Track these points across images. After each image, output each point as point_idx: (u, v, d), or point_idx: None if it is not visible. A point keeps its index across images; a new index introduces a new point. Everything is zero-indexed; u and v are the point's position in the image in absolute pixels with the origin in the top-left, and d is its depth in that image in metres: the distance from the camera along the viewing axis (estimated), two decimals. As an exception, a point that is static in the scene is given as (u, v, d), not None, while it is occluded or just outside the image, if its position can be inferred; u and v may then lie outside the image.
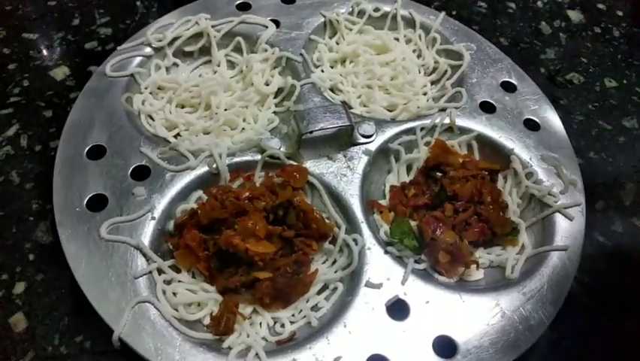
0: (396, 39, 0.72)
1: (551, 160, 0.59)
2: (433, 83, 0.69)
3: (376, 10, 0.72)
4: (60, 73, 0.69)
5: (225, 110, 0.61)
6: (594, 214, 0.61)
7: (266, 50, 0.66)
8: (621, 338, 0.53)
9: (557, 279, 0.51)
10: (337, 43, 0.70)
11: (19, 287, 0.52)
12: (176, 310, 0.47)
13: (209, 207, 0.50)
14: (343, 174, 0.56)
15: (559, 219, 0.55)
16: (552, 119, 0.64)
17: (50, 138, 0.62)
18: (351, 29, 0.71)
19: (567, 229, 0.55)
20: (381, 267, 0.51)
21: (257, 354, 0.44)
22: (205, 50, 0.68)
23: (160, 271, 0.49)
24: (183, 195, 0.54)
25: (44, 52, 0.71)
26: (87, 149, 0.55)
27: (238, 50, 0.67)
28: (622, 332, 0.53)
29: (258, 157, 0.56)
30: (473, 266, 0.53)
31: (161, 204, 0.52)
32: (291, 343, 0.47)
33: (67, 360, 0.48)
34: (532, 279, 0.51)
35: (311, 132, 0.55)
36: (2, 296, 0.51)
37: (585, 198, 0.58)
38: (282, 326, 0.48)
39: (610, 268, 0.58)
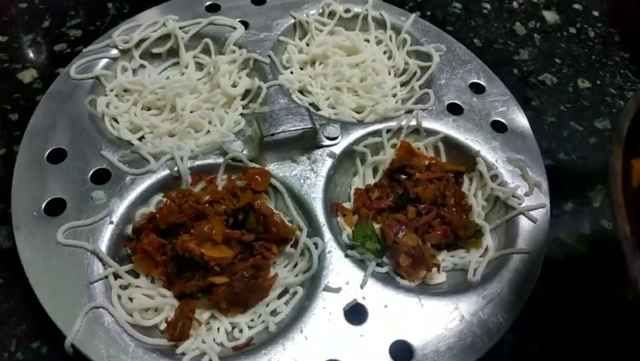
0: (367, 40, 0.71)
1: (517, 162, 0.59)
2: (402, 84, 0.68)
3: (347, 11, 0.72)
4: (28, 75, 0.68)
5: (191, 112, 0.61)
6: (562, 216, 0.61)
7: (234, 52, 0.66)
8: (585, 343, 0.53)
9: (518, 282, 0.51)
10: (307, 45, 0.70)
11: (-23, 292, 0.51)
12: (131, 315, 0.46)
13: (167, 212, 0.50)
14: (307, 177, 0.56)
15: (523, 222, 0.55)
16: (520, 120, 0.63)
17: (15, 141, 0.61)
18: (321, 30, 0.71)
19: (531, 231, 0.54)
20: (341, 271, 0.50)
21: (210, 360, 0.44)
22: (173, 52, 0.67)
23: (116, 276, 0.48)
24: (144, 198, 0.53)
25: (13, 54, 0.71)
26: (48, 152, 0.55)
27: (206, 51, 0.67)
28: (586, 336, 0.53)
29: (221, 160, 0.56)
30: (435, 269, 0.52)
31: (120, 208, 0.52)
32: (247, 348, 0.46)
33: (23, 366, 0.48)
34: (492, 282, 0.51)
35: (272, 135, 0.55)
36: (-40, 302, 0.51)
37: (554, 200, 0.58)
38: (241, 331, 0.48)
39: (576, 271, 0.57)
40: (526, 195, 0.57)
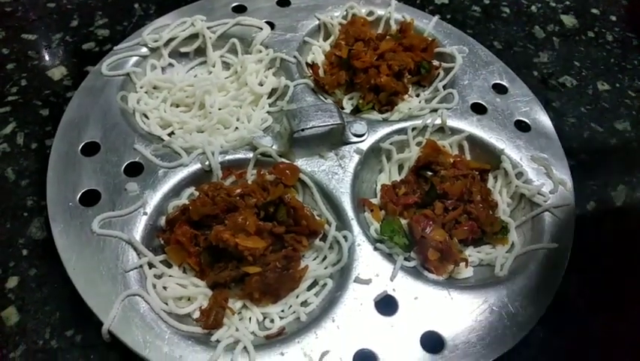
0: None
1: (541, 160, 0.59)
2: (422, 84, 0.69)
3: (370, 13, 0.73)
4: (57, 73, 0.70)
5: (219, 109, 0.62)
6: (585, 214, 0.62)
7: (260, 52, 0.67)
8: (611, 338, 0.53)
9: (546, 277, 0.51)
10: (331, 46, 0.71)
11: (12, 282, 0.52)
12: (166, 303, 0.47)
13: (201, 203, 0.51)
14: (335, 173, 0.57)
15: (548, 218, 0.56)
16: (543, 120, 0.64)
17: (46, 136, 0.63)
18: (345, 32, 0.72)
19: (556, 228, 0.55)
20: (370, 263, 0.51)
21: (245, 348, 0.45)
22: (200, 51, 0.69)
23: (151, 266, 0.49)
24: (175, 191, 0.54)
25: (42, 52, 0.72)
26: (81, 145, 0.56)
27: (233, 51, 0.68)
28: (612, 331, 0.53)
29: (251, 155, 0.57)
30: (462, 264, 0.53)
31: (154, 200, 0.53)
32: (280, 337, 0.47)
33: (57, 354, 0.48)
34: (520, 277, 0.51)
35: (302, 130, 0.56)
36: (-5, 290, 0.51)
37: (576, 198, 0.58)
38: (272, 321, 0.49)
39: (600, 268, 0.58)
40: (551, 192, 0.57)
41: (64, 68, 0.70)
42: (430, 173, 0.58)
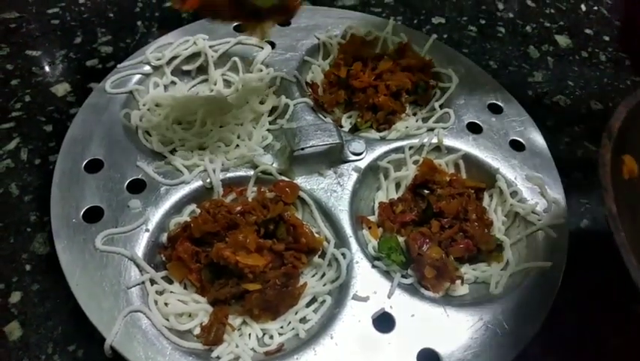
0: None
1: (535, 179, 0.61)
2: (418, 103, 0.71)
3: (368, 34, 0.75)
4: (61, 89, 0.71)
5: (220, 127, 0.63)
6: (579, 232, 0.63)
7: (261, 70, 0.69)
8: (606, 354, 0.54)
9: (540, 294, 0.52)
10: (330, 65, 0.73)
11: (15, 297, 0.53)
12: (167, 319, 0.48)
13: (202, 221, 0.52)
14: (333, 190, 0.58)
15: (542, 236, 0.57)
16: (537, 140, 0.66)
17: (50, 151, 0.64)
18: (343, 52, 0.74)
19: (550, 246, 0.56)
20: (368, 280, 0.52)
21: (245, 363, 0.46)
22: (202, 69, 0.70)
23: (152, 282, 0.50)
24: (177, 208, 0.55)
25: (46, 68, 0.73)
26: (85, 162, 0.57)
27: (234, 69, 0.70)
28: (606, 347, 0.54)
29: (251, 173, 0.58)
30: (458, 282, 0.54)
31: (156, 216, 0.54)
32: (279, 354, 0.48)
33: (59, 369, 0.49)
34: (515, 294, 0.52)
35: (302, 149, 0.57)
36: (-2, 305, 0.52)
37: (570, 217, 0.60)
38: (271, 337, 0.50)
39: (593, 285, 0.59)
40: (545, 211, 0.59)
41: (68, 84, 0.71)
42: (426, 191, 0.59)
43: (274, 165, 0.59)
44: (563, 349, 0.54)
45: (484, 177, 0.62)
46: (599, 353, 0.54)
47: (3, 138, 0.65)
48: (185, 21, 0.75)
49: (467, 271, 0.56)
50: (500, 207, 0.60)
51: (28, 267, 0.55)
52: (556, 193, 0.60)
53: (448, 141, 0.64)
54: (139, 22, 0.81)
